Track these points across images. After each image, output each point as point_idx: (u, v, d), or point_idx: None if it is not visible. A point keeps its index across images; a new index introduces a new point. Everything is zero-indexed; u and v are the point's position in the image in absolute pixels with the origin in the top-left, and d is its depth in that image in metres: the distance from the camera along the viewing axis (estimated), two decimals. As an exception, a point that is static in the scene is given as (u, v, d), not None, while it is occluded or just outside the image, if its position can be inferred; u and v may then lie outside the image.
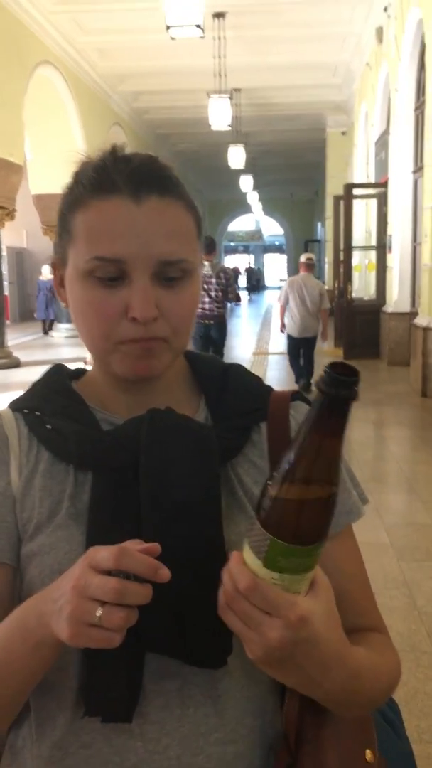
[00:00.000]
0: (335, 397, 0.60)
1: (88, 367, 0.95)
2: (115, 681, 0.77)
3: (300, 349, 9.08)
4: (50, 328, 17.77)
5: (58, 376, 0.93)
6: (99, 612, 0.65)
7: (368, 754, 0.85)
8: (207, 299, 8.35)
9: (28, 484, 0.84)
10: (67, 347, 14.27)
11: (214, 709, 0.80)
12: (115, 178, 0.80)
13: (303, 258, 9.27)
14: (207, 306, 8.37)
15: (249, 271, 42.58)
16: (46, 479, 0.84)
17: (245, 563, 0.65)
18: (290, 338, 9.03)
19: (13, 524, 0.83)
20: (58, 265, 0.88)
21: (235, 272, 31.66)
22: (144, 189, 0.79)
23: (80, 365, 1.03)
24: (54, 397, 0.89)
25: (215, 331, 8.60)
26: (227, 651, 0.78)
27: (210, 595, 0.69)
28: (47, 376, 0.94)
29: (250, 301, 33.35)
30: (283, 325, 9.07)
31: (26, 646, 0.73)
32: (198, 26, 9.01)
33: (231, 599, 0.65)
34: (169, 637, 0.77)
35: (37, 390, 0.91)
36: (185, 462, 0.80)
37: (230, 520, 0.82)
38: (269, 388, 0.94)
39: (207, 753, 0.79)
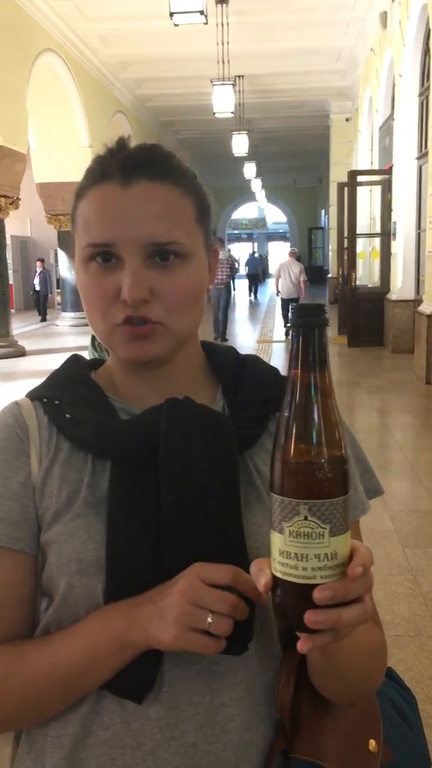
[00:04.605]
0: (306, 326, 0.62)
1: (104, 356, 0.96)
2: (134, 663, 0.78)
3: (289, 306, 12.91)
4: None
5: (77, 366, 0.94)
6: (210, 619, 0.72)
7: (372, 743, 0.86)
8: (219, 275, 12.42)
9: (48, 473, 0.85)
10: (72, 336, 14.27)
11: (230, 698, 0.81)
12: (108, 165, 0.82)
13: (288, 250, 16.84)
14: (218, 278, 12.74)
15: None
16: (64, 468, 0.85)
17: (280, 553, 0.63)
18: (282, 300, 14.60)
19: (34, 514, 0.84)
20: (73, 256, 0.90)
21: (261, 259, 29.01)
22: (133, 174, 0.81)
23: (85, 354, 1.04)
24: (73, 386, 0.90)
25: (224, 291, 13.33)
26: (248, 637, 0.79)
27: None
28: (66, 366, 0.94)
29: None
30: (278, 291, 14.75)
31: (112, 647, 0.77)
32: (201, 12, 8.96)
33: (345, 592, 0.63)
34: None
35: (55, 379, 0.92)
36: (204, 451, 0.81)
37: (248, 509, 0.83)
38: (285, 378, 0.94)
39: (223, 741, 0.81)
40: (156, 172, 0.82)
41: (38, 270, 19.82)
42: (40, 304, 19.56)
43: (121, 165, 0.81)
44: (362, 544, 0.66)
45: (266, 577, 0.65)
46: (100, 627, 0.78)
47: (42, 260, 20.37)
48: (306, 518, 0.60)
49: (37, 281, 19.71)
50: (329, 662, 0.78)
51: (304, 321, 0.62)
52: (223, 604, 0.72)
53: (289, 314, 0.63)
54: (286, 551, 0.61)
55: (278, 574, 0.63)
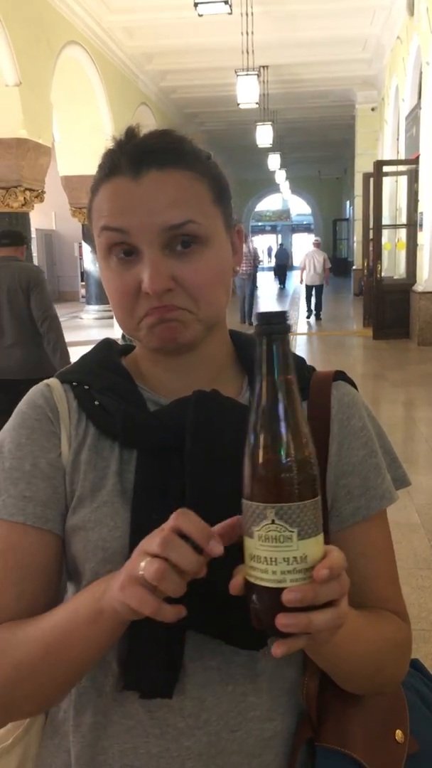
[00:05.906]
0: (269, 332, 0.62)
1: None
2: (155, 658, 0.78)
3: (312, 293, 15.84)
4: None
5: (108, 351, 0.94)
6: (143, 563, 0.65)
7: (398, 733, 0.86)
8: (244, 266, 14.02)
9: (77, 457, 0.85)
10: (97, 328, 14.33)
11: (252, 687, 0.82)
12: (118, 158, 0.81)
13: (312, 240, 17.95)
14: (242, 269, 13.69)
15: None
16: (92, 454, 0.85)
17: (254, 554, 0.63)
18: (306, 286, 15.92)
19: (63, 496, 0.85)
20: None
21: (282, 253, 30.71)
22: (143, 165, 0.80)
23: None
24: (103, 372, 0.90)
25: (249, 281, 14.53)
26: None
27: None
28: (97, 350, 0.94)
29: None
30: (301, 280, 16.16)
31: (90, 611, 0.73)
32: (225, 2, 8.92)
33: (314, 595, 0.62)
34: (211, 618, 0.77)
35: (86, 363, 0.92)
36: (231, 445, 0.80)
37: None
38: (311, 368, 0.94)
39: (246, 729, 0.81)
40: (166, 160, 0.81)
41: None
42: None
43: (130, 157, 0.80)
44: (335, 548, 0.65)
45: (237, 580, 0.64)
46: (85, 592, 0.77)
47: None
48: (273, 522, 0.61)
49: None
50: (327, 664, 0.78)
51: (265, 328, 0.63)
52: (155, 544, 0.64)
53: (255, 320, 0.65)
54: (257, 555, 0.62)
55: (251, 579, 0.63)
